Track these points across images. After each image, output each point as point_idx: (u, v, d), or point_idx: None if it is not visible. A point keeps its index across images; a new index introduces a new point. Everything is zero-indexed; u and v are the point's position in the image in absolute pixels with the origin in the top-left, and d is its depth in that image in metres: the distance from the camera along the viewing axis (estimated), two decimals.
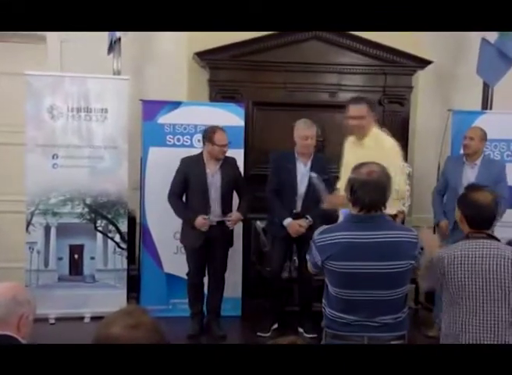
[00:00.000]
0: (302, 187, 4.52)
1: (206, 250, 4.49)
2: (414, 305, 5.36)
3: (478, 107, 5.60)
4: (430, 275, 2.74)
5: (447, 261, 2.63)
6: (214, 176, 4.46)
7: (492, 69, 5.34)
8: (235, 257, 4.87)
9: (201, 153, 4.51)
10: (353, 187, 2.56)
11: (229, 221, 4.45)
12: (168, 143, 4.96)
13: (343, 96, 5.53)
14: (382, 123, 5.50)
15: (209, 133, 4.44)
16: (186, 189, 4.48)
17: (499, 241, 2.69)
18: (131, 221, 5.12)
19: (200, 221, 4.37)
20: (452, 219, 4.75)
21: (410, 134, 5.71)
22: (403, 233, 2.60)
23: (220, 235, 4.47)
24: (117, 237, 4.97)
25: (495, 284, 2.58)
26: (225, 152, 4.46)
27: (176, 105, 5.01)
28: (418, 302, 5.40)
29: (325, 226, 2.66)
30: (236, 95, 5.34)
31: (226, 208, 4.51)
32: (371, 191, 2.53)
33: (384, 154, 3.91)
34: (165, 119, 4.98)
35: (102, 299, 4.73)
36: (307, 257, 2.72)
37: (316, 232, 2.65)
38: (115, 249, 4.98)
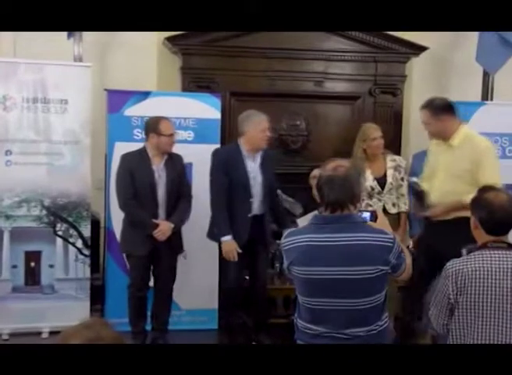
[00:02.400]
0: (257, 187, 4.45)
1: (152, 258, 4.42)
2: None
3: (477, 97, 5.63)
4: (438, 292, 2.67)
5: (464, 275, 2.56)
6: (160, 174, 4.39)
7: (493, 56, 5.36)
8: (210, 263, 4.85)
9: (144, 148, 4.42)
10: (318, 184, 2.56)
11: (157, 232, 4.32)
12: (135, 138, 4.88)
13: (330, 86, 5.53)
14: (373, 116, 5.58)
15: (153, 124, 4.37)
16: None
17: None
18: (95, 225, 5.06)
19: (166, 227, 4.33)
20: None
21: (403, 128, 5.74)
22: (374, 235, 2.54)
23: (167, 241, 4.36)
24: (79, 243, 4.90)
25: None
26: (173, 144, 4.40)
27: (145, 95, 4.95)
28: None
29: (291, 229, 2.71)
30: (211, 84, 5.30)
31: (171, 211, 4.40)
32: (336, 187, 2.51)
33: (476, 155, 4.03)
34: (133, 111, 4.91)
35: (62, 312, 4.66)
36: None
37: (283, 235, 2.67)
38: (76, 256, 4.90)
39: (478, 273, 2.55)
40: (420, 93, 5.81)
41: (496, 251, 2.59)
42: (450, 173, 3.98)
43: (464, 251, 2.76)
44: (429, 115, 4.11)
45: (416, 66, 5.76)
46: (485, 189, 2.81)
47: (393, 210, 4.74)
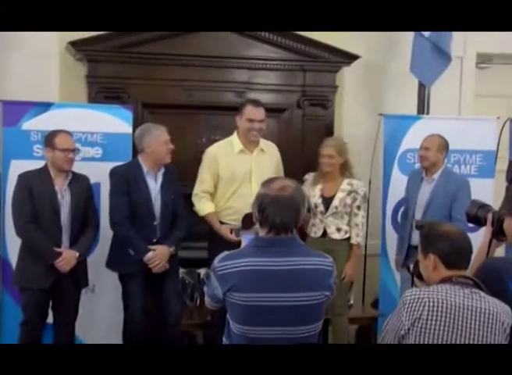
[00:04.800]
0: (157, 210, 4.44)
1: (52, 292, 4.33)
2: None
3: (413, 110, 5.75)
4: (389, 323, 2.63)
5: (424, 304, 2.51)
6: (63, 196, 4.32)
7: (428, 68, 5.50)
8: (119, 296, 4.79)
9: (45, 166, 4.36)
10: (261, 204, 2.57)
11: (60, 262, 4.24)
12: (35, 155, 4.79)
13: (254, 97, 5.43)
14: (302, 129, 5.66)
15: (49, 137, 4.31)
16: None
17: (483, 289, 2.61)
18: None
19: (70, 256, 4.24)
20: (403, 249, 4.92)
21: None
22: (318, 259, 2.65)
23: (71, 272, 4.29)
24: None
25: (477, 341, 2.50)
26: (70, 160, 4.31)
27: (46, 107, 4.87)
28: None
29: (226, 252, 2.65)
30: (121, 95, 5.27)
31: (76, 238, 4.34)
32: (282, 209, 2.55)
33: (277, 164, 4.80)
34: (32, 124, 4.83)
35: None
36: (205, 289, 2.72)
37: (216, 259, 2.63)
38: None
39: (440, 305, 2.51)
40: (352, 105, 5.94)
41: (463, 287, 2.56)
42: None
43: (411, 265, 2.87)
44: (264, 113, 4.65)
45: (347, 76, 5.82)
46: (432, 223, 2.86)
47: (337, 235, 4.76)
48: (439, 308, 2.50)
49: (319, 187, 4.79)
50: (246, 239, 2.81)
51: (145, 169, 4.44)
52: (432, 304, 2.51)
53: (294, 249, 2.62)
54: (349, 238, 4.80)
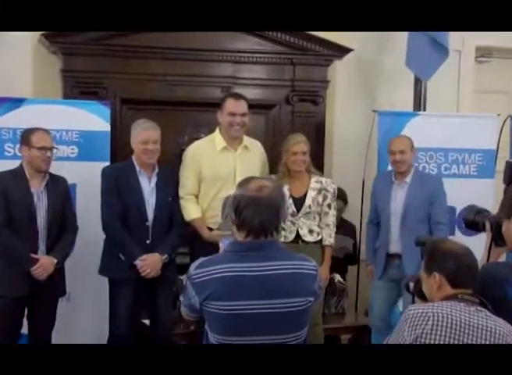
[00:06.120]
0: (150, 211, 4.39)
1: (27, 301, 4.26)
2: None
3: (409, 107, 5.72)
4: (393, 337, 2.55)
5: (427, 320, 2.44)
6: (40, 198, 4.25)
7: (424, 61, 5.46)
8: (98, 305, 4.71)
9: (21, 166, 4.29)
10: (238, 206, 2.52)
11: (37, 269, 4.16)
12: (6, 154, 4.76)
13: (240, 92, 5.45)
14: (291, 127, 5.59)
15: (25, 134, 4.26)
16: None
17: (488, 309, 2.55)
18: None
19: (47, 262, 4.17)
20: (381, 258, 4.85)
21: (326, 141, 5.75)
22: (302, 263, 2.60)
23: (48, 280, 4.22)
24: None
25: None
26: (48, 159, 4.24)
27: (18, 103, 4.81)
28: None
29: (203, 259, 2.59)
30: (99, 90, 5.22)
31: (53, 243, 4.27)
32: (261, 210, 2.50)
33: (262, 162, 4.78)
34: (3, 121, 4.78)
35: None
36: (181, 299, 2.67)
37: (192, 266, 2.58)
38: None
39: (445, 320, 2.44)
40: (345, 101, 5.90)
41: (469, 306, 2.50)
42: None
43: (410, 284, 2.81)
44: (246, 107, 4.58)
45: (339, 70, 5.79)
46: (435, 240, 2.79)
47: (309, 237, 4.68)
48: (444, 324, 2.43)
49: (286, 187, 4.63)
50: (224, 244, 2.75)
51: (138, 168, 4.41)
52: (436, 318, 2.44)
53: (275, 253, 2.57)
54: (321, 240, 4.72)
